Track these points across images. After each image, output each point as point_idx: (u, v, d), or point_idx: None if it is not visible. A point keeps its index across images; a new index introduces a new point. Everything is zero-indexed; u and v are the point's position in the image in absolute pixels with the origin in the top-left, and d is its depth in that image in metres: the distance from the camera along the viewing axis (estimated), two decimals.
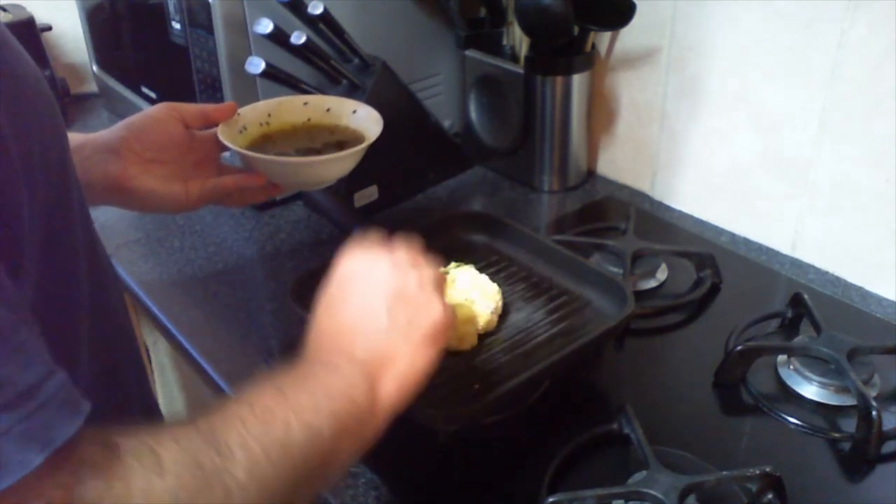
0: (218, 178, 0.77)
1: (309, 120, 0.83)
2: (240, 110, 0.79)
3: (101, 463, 0.36)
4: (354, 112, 0.82)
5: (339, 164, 0.77)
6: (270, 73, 0.86)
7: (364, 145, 0.76)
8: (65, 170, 0.50)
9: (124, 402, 0.62)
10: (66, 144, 0.51)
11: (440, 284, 0.58)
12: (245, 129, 0.80)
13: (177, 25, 1.01)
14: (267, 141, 0.81)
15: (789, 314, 0.82)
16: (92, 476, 0.36)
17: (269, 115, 0.82)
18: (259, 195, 0.80)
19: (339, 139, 0.81)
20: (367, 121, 0.80)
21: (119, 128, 0.74)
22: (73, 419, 0.35)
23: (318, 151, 0.77)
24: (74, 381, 0.37)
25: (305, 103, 0.83)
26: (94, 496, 0.35)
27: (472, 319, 0.75)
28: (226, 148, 0.75)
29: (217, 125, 0.77)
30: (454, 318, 0.57)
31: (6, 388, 0.33)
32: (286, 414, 0.45)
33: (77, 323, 0.53)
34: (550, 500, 0.59)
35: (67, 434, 0.34)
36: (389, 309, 0.54)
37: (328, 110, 0.83)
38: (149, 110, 0.76)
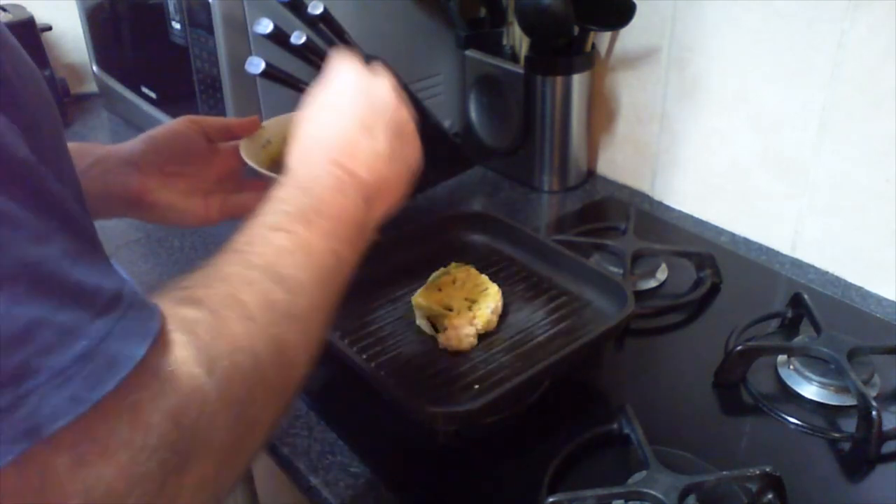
0: (240, 194, 0.76)
1: None
2: (263, 123, 0.78)
3: (198, 323, 0.40)
4: None
5: None
6: (270, 73, 0.85)
7: None
8: (61, 175, 0.49)
9: None
10: (66, 149, 0.50)
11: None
12: (269, 142, 0.78)
13: (177, 25, 1.01)
14: None
15: (789, 314, 0.82)
16: (195, 341, 0.39)
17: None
18: None
19: None
20: None
21: (140, 140, 0.73)
22: (154, 312, 0.37)
23: None
24: None
25: None
26: (207, 352, 0.39)
27: (471, 320, 0.75)
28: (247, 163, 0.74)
29: (240, 138, 0.76)
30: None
31: (98, 297, 0.35)
32: (319, 244, 0.49)
33: None
34: (550, 500, 0.59)
35: (158, 325, 0.37)
36: (389, 136, 0.57)
37: None
38: (170, 123, 0.75)
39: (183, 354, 0.38)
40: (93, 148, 0.71)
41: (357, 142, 0.56)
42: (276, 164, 0.76)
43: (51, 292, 0.33)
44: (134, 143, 0.73)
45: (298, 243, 0.48)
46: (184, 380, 0.37)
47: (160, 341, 0.37)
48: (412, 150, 0.59)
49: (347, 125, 0.57)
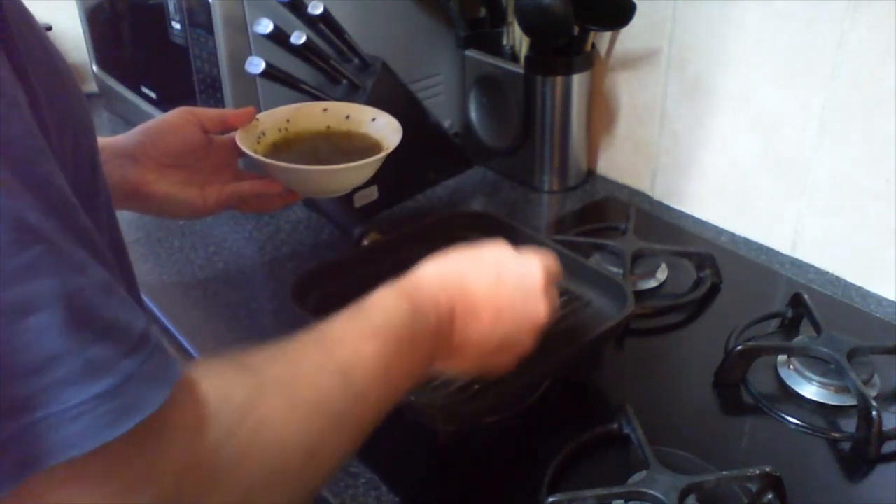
0: (235, 183, 0.77)
1: (328, 127, 0.83)
2: (258, 116, 0.79)
3: (236, 390, 0.39)
4: (374, 120, 0.82)
5: (357, 173, 0.76)
6: (270, 73, 0.86)
7: (383, 154, 0.76)
8: (94, 171, 0.49)
9: None
10: (96, 145, 0.50)
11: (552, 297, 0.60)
12: (264, 134, 0.79)
13: (177, 25, 1.01)
14: (285, 147, 0.80)
15: (789, 314, 0.82)
16: (224, 406, 0.38)
17: (288, 121, 0.82)
18: (276, 202, 0.80)
19: (358, 147, 0.80)
20: (386, 129, 0.80)
21: (137, 132, 0.74)
22: (174, 361, 0.37)
23: (337, 159, 0.76)
24: None
25: (325, 110, 0.83)
26: (232, 421, 0.38)
27: None
28: (243, 154, 0.75)
29: (235, 130, 0.76)
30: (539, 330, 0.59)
31: (128, 335, 0.34)
32: (400, 365, 0.49)
33: None
34: (550, 500, 0.59)
35: (178, 371, 0.36)
36: (512, 330, 0.57)
37: (347, 117, 0.83)
38: (166, 115, 0.76)
39: (205, 414, 0.37)
40: None
41: (471, 296, 0.56)
42: (271, 155, 0.77)
43: (86, 324, 0.33)
44: (130, 135, 0.74)
45: (385, 358, 0.48)
46: (198, 441, 0.36)
47: (182, 391, 0.36)
48: (513, 351, 0.58)
49: (473, 281, 0.56)
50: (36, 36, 0.42)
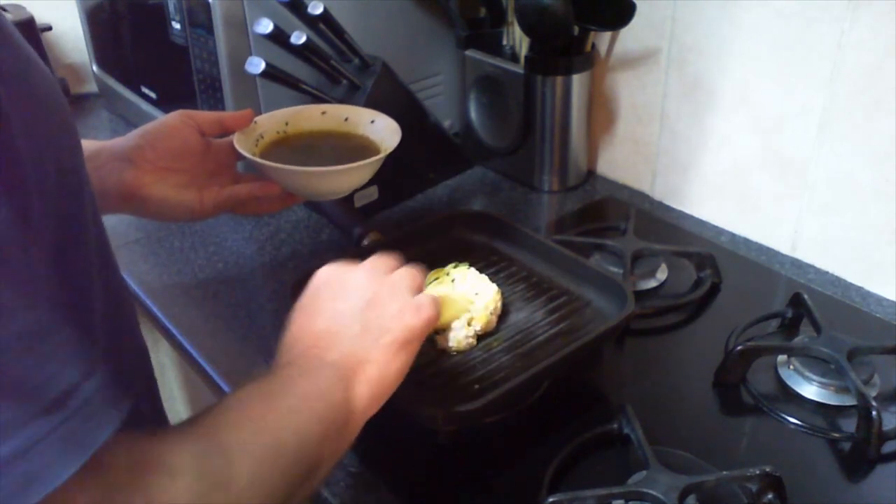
0: (233, 186, 0.77)
1: (326, 129, 0.83)
2: (257, 118, 0.79)
3: (124, 473, 0.36)
4: (372, 122, 0.82)
5: (355, 175, 0.76)
6: (270, 73, 0.86)
7: (381, 156, 0.76)
8: (78, 180, 0.49)
9: (136, 421, 0.62)
10: (81, 153, 0.50)
11: (416, 287, 0.59)
12: (262, 137, 0.79)
13: (177, 25, 1.01)
14: (283, 149, 0.80)
15: (789, 314, 0.82)
16: (116, 489, 0.36)
17: (287, 124, 0.82)
18: (274, 204, 0.80)
19: (356, 149, 0.80)
20: (384, 131, 0.80)
21: (134, 135, 0.74)
22: (109, 422, 0.34)
23: (335, 161, 0.76)
24: None
25: (323, 112, 0.83)
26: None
27: (469, 321, 0.75)
28: (241, 156, 0.75)
29: (233, 133, 0.76)
30: (436, 314, 0.57)
31: (44, 393, 0.32)
32: (277, 420, 0.46)
33: (92, 336, 0.51)
34: (550, 500, 0.59)
35: (103, 437, 0.34)
36: (362, 315, 0.55)
37: (346, 119, 0.83)
38: (164, 118, 0.75)
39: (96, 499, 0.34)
40: (85, 144, 0.70)
41: (324, 332, 0.55)
42: (269, 157, 0.77)
43: None
44: (127, 139, 0.73)
45: (250, 417, 0.46)
46: None
47: (101, 461, 0.33)
48: (399, 319, 0.55)
49: (315, 323, 0.56)
50: (14, 57, 0.41)
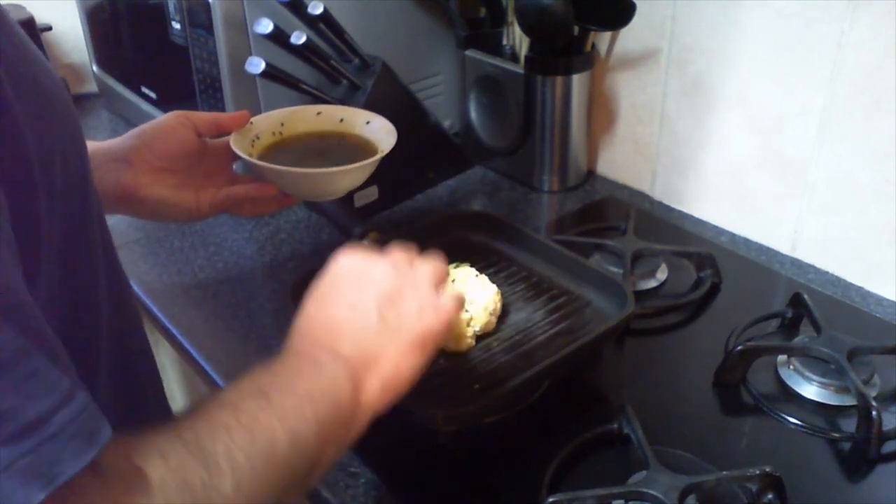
0: (230, 187, 0.77)
1: (322, 130, 0.83)
2: (253, 119, 0.78)
3: (90, 490, 0.35)
4: (368, 123, 0.82)
5: (351, 176, 0.76)
6: (270, 73, 0.85)
7: (377, 157, 0.75)
8: (85, 180, 0.49)
9: (144, 423, 0.62)
10: (86, 154, 0.50)
11: (440, 283, 0.57)
12: (258, 138, 0.79)
13: (177, 25, 1.01)
14: (279, 150, 0.80)
15: (789, 314, 0.82)
16: None
17: (283, 125, 0.81)
18: (271, 205, 0.79)
19: (353, 150, 0.80)
20: (380, 132, 0.80)
21: (130, 136, 0.73)
22: (83, 451, 0.34)
23: (331, 162, 0.76)
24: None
25: (319, 113, 0.83)
26: None
27: (468, 321, 0.75)
28: (238, 157, 0.75)
29: (230, 134, 0.76)
30: (455, 316, 0.56)
31: (10, 421, 0.31)
32: (271, 421, 0.45)
33: (96, 344, 0.51)
34: (550, 500, 0.59)
35: (75, 468, 0.33)
36: (381, 309, 0.53)
37: (341, 120, 0.83)
38: (160, 119, 0.75)
39: None
40: None
41: (340, 322, 0.54)
42: (265, 158, 0.77)
43: None
44: (124, 139, 0.73)
45: (241, 421, 0.44)
46: None
47: (71, 490, 0.32)
48: (419, 317, 0.54)
49: (332, 310, 0.55)
50: (22, 57, 0.41)
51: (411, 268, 0.57)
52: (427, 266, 0.57)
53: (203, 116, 0.76)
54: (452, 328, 0.57)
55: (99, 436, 0.35)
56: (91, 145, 0.72)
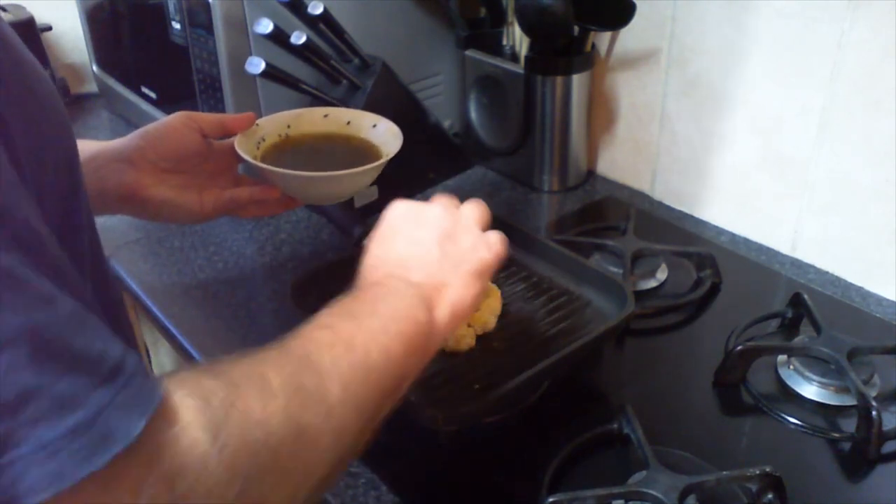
0: (233, 189, 0.76)
1: (328, 132, 0.82)
2: (258, 121, 0.78)
3: (214, 392, 0.39)
4: (374, 126, 0.81)
5: (357, 179, 0.76)
6: (270, 73, 0.85)
7: (383, 161, 0.75)
8: (75, 186, 0.49)
9: None
10: (77, 155, 0.50)
11: (485, 224, 0.62)
12: (263, 140, 0.79)
13: (177, 25, 1.01)
14: (285, 153, 0.79)
15: (789, 314, 0.82)
16: (206, 408, 0.38)
17: (289, 127, 0.81)
18: (275, 207, 0.79)
19: (358, 153, 0.79)
20: (386, 135, 0.79)
21: (134, 136, 0.73)
22: (156, 384, 0.36)
23: (336, 165, 0.75)
24: None
25: (325, 115, 0.83)
26: (216, 419, 0.38)
27: (469, 321, 0.74)
28: (243, 159, 0.74)
29: (235, 135, 0.76)
30: (505, 250, 0.62)
31: (101, 364, 0.34)
32: (364, 339, 0.49)
33: None
34: (550, 500, 0.59)
35: (160, 396, 0.36)
36: (440, 244, 0.58)
37: (348, 123, 0.82)
38: (165, 119, 0.75)
39: (189, 418, 0.37)
40: (85, 144, 0.70)
41: (406, 256, 0.58)
42: (270, 160, 0.77)
43: (54, 358, 0.32)
44: (128, 140, 0.73)
45: (340, 337, 0.48)
46: (185, 443, 0.36)
47: (162, 413, 0.35)
48: (473, 250, 0.59)
49: (397, 247, 0.59)
50: (11, 59, 0.41)
51: (459, 209, 0.62)
52: (472, 208, 0.63)
53: (208, 118, 0.76)
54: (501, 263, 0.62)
55: (155, 378, 0.37)
56: (95, 145, 0.72)
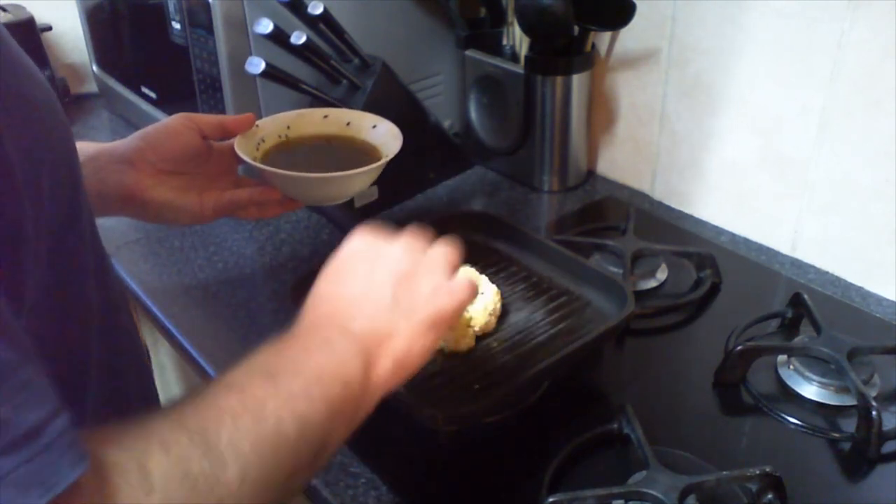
0: (234, 190, 0.76)
1: (328, 134, 0.82)
2: (258, 122, 0.78)
3: (89, 490, 0.35)
4: (374, 127, 0.81)
5: (356, 181, 0.76)
6: (270, 73, 0.85)
7: (383, 162, 0.75)
8: (75, 189, 0.48)
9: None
10: (77, 162, 0.49)
11: (454, 266, 0.56)
12: (263, 141, 0.79)
13: (177, 25, 1.01)
14: (284, 153, 0.79)
15: (789, 314, 0.82)
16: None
17: (288, 128, 0.81)
18: (275, 209, 0.79)
19: (358, 154, 0.79)
20: (386, 136, 0.79)
21: (134, 138, 0.73)
22: (78, 462, 0.33)
23: (336, 166, 0.75)
24: (83, 409, 0.35)
25: (325, 116, 0.83)
26: None
27: (468, 321, 0.75)
28: (243, 160, 0.74)
29: (235, 136, 0.76)
30: (471, 298, 0.55)
31: (7, 430, 0.31)
32: (278, 406, 0.44)
33: (87, 349, 0.51)
34: (550, 500, 0.59)
35: (71, 478, 0.33)
36: (394, 288, 0.53)
37: (348, 124, 0.82)
38: (166, 121, 0.75)
39: None
40: (85, 146, 0.70)
41: (353, 300, 0.53)
42: (270, 161, 0.77)
43: None
44: (128, 141, 0.73)
45: (248, 405, 0.43)
46: None
47: (70, 498, 0.32)
48: (433, 298, 0.53)
49: (345, 288, 0.54)
50: (10, 70, 0.41)
51: (425, 250, 0.56)
52: (441, 249, 0.57)
53: (208, 119, 0.75)
54: (464, 313, 0.56)
55: (86, 447, 0.35)
56: (95, 147, 0.72)
